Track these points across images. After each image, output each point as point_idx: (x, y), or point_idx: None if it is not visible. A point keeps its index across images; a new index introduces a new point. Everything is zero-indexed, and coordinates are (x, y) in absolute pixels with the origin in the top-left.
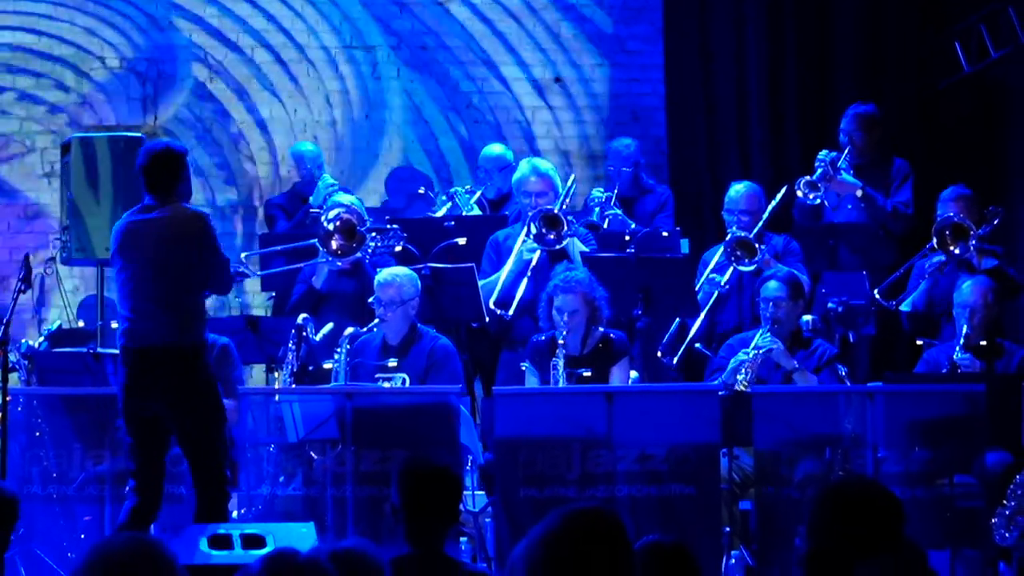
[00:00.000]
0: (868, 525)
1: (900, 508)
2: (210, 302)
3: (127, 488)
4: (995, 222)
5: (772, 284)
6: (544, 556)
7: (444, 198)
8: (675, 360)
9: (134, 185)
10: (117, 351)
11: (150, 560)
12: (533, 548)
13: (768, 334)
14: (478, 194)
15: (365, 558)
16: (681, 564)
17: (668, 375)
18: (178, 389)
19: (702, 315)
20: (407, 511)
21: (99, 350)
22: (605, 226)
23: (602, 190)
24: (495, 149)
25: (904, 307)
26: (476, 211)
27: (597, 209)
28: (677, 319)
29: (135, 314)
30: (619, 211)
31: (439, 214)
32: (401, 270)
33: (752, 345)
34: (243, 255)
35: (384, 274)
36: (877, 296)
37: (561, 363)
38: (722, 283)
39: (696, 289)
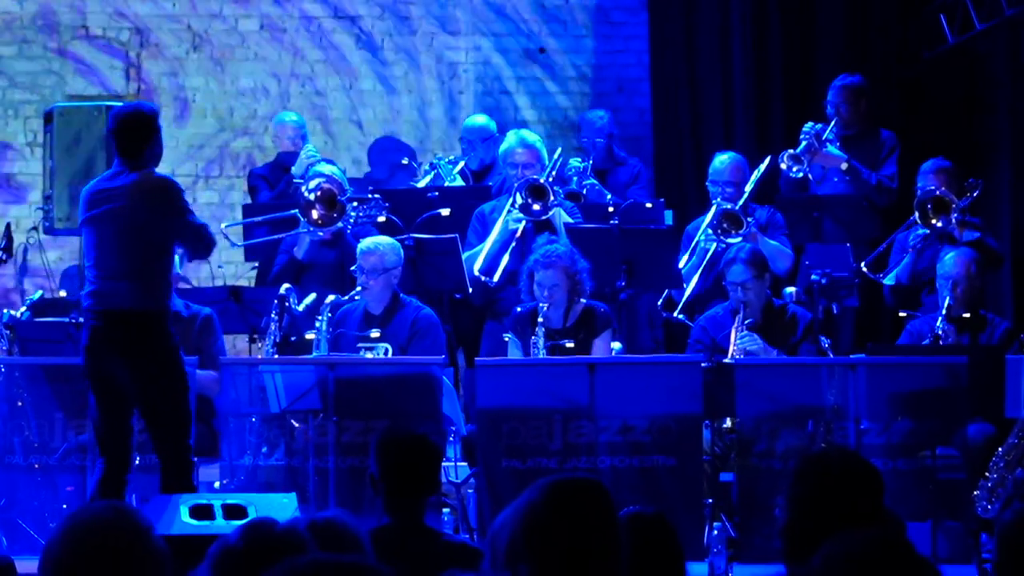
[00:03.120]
0: (846, 497)
1: (879, 480)
2: (195, 271)
3: (89, 458)
4: (975, 194)
5: (736, 268)
6: (527, 526)
7: (427, 168)
8: (676, 313)
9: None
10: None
11: (125, 528)
12: (516, 518)
13: (746, 335)
14: (460, 165)
15: (344, 529)
16: (661, 534)
17: (652, 346)
18: (141, 354)
19: (693, 281)
20: (385, 481)
21: (81, 320)
22: (584, 195)
23: (579, 160)
24: (478, 120)
25: (888, 280)
26: (459, 182)
27: (575, 178)
28: (666, 291)
29: (101, 278)
30: (595, 181)
31: (421, 184)
32: (384, 238)
33: (732, 347)
34: (223, 225)
35: (367, 242)
36: (864, 269)
37: (541, 338)
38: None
39: (680, 265)
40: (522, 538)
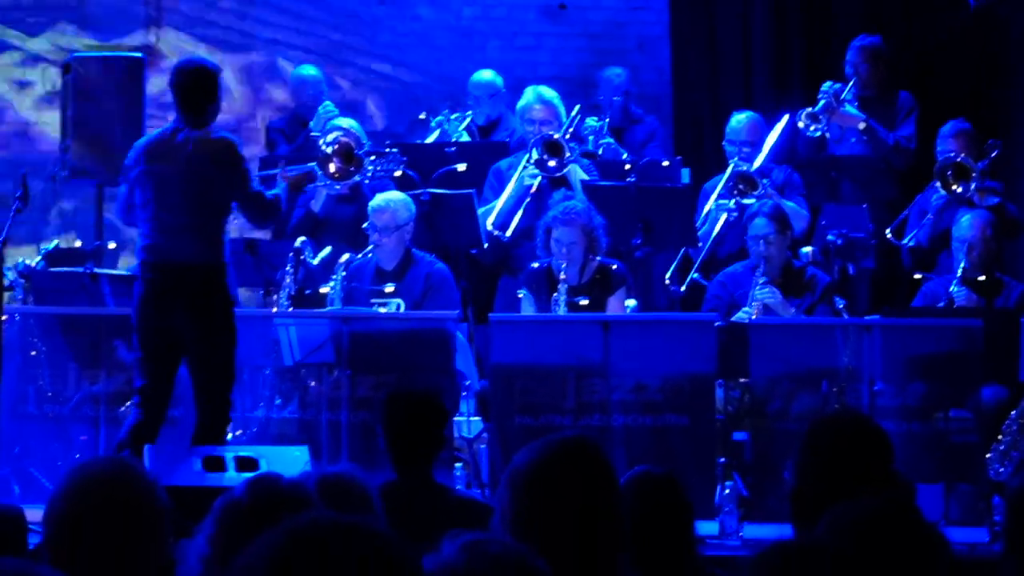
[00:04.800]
0: (856, 460)
1: (889, 443)
2: None
3: (130, 403)
4: (993, 155)
5: (759, 221)
6: (524, 483)
7: (434, 125)
8: (682, 288)
9: (134, 105)
10: (119, 271)
11: (127, 482)
12: (515, 474)
13: (765, 286)
14: (467, 120)
15: (352, 484)
16: (671, 495)
17: (668, 304)
18: (202, 307)
19: (709, 243)
20: (391, 438)
21: (96, 270)
22: (600, 153)
23: (596, 118)
24: (485, 75)
25: (907, 242)
26: (466, 138)
27: (592, 137)
28: (683, 249)
29: (160, 231)
30: (612, 140)
31: (429, 140)
32: (395, 194)
33: (750, 298)
34: None
35: (378, 199)
36: (889, 235)
37: (563, 295)
38: (730, 206)
39: (697, 224)
40: (518, 498)
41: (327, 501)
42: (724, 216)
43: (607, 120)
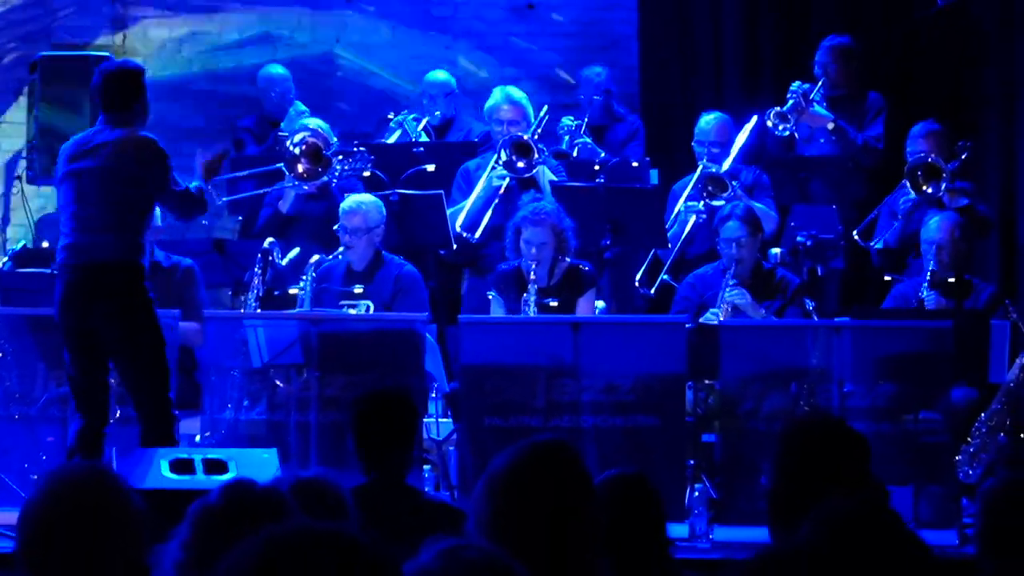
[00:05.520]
0: (832, 463)
1: (866, 446)
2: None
3: (70, 409)
4: (963, 156)
5: (732, 224)
6: (500, 487)
7: (393, 125)
8: (652, 290)
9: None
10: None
11: (104, 489)
12: (491, 479)
13: (735, 288)
14: (424, 121)
15: (327, 488)
16: (643, 496)
17: (639, 306)
18: (121, 306)
19: (679, 244)
20: (361, 440)
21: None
22: (574, 154)
23: (572, 118)
24: (439, 75)
25: (876, 244)
26: (424, 138)
27: (567, 137)
28: (653, 250)
29: (79, 231)
30: (588, 140)
31: (391, 140)
32: (366, 197)
33: (720, 299)
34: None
35: (349, 201)
36: (856, 237)
37: (533, 295)
38: (699, 208)
39: (668, 224)
40: (495, 503)
41: (302, 506)
42: (693, 218)
43: (585, 119)
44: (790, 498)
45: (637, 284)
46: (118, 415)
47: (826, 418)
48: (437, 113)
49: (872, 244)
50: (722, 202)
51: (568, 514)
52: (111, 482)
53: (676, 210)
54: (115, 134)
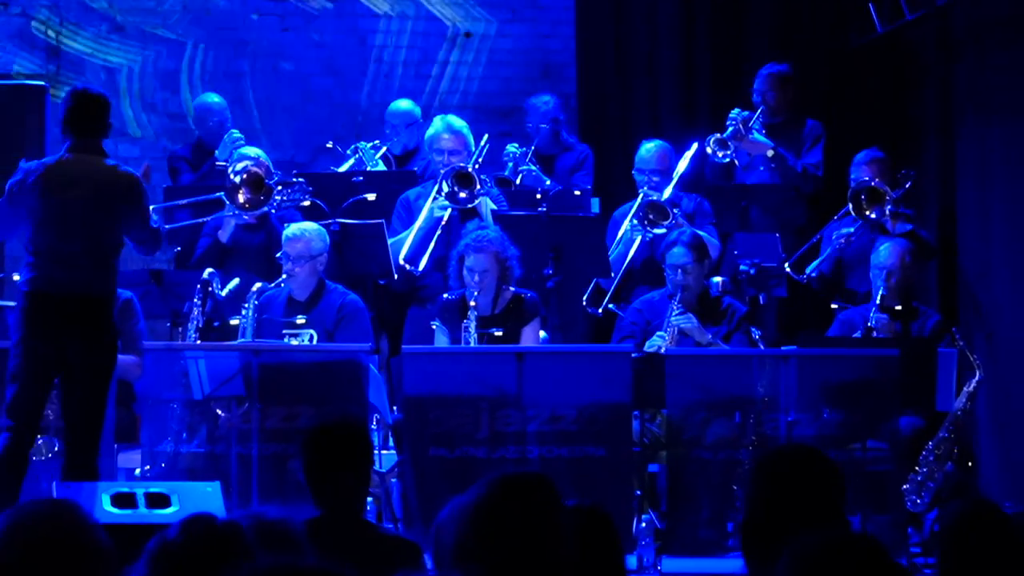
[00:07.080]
0: (807, 494)
1: (841, 478)
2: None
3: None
4: (907, 185)
5: (678, 250)
6: (477, 524)
7: (349, 153)
8: (600, 310)
9: (36, 135)
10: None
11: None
12: (465, 515)
13: (681, 313)
14: (383, 150)
15: (284, 525)
16: (601, 527)
17: (583, 331)
18: (91, 339)
19: (622, 270)
20: (311, 471)
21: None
22: (518, 182)
23: (516, 145)
24: (403, 104)
25: (809, 270)
26: (381, 167)
27: (511, 164)
28: (594, 280)
29: (55, 261)
30: (534, 167)
31: (343, 169)
32: (310, 225)
33: (666, 324)
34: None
35: (292, 228)
36: (788, 269)
37: (473, 325)
38: (647, 238)
39: (609, 250)
40: (472, 535)
41: (260, 542)
42: (638, 239)
43: (532, 148)
44: (765, 528)
45: (585, 303)
46: (56, 448)
47: (801, 447)
48: (395, 140)
49: (804, 276)
50: (663, 230)
51: (542, 546)
52: (76, 517)
53: (619, 234)
54: (96, 165)
